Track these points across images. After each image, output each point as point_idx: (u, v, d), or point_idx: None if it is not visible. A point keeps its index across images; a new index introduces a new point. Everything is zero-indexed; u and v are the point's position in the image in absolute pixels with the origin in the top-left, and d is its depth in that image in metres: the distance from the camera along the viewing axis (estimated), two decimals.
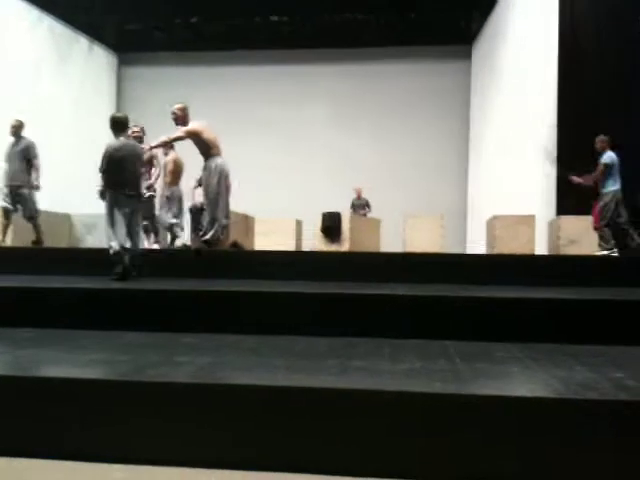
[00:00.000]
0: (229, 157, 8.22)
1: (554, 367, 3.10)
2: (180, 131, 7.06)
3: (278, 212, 10.22)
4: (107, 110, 14.85)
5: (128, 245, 5.84)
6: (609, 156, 7.88)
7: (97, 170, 5.96)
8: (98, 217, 8.72)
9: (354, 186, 12.49)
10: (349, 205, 12.43)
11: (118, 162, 5.83)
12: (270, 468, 2.45)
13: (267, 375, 2.89)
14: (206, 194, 7.16)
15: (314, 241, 9.22)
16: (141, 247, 6.31)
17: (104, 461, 2.52)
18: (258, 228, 9.46)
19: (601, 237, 7.85)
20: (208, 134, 7.10)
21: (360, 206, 12.41)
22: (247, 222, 9.58)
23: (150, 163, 8.23)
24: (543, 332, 4.00)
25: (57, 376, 2.86)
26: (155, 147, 7.49)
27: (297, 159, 14.76)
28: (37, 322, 4.33)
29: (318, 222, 9.20)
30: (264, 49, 15.13)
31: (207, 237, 7.10)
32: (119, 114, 6.21)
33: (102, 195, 6.02)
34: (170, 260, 7.12)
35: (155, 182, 8.28)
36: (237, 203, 8.60)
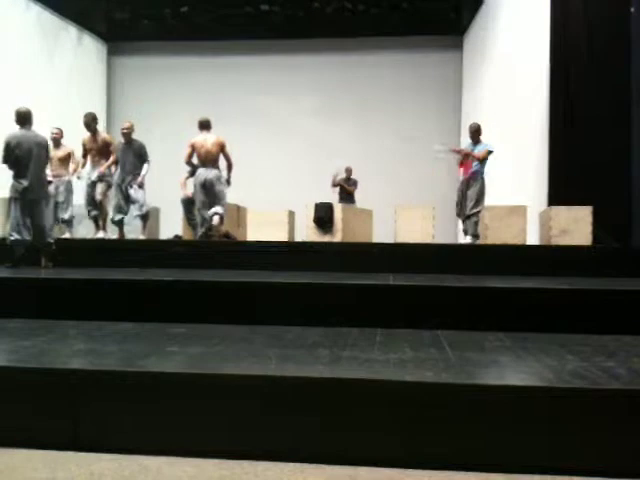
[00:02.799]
0: None
1: (545, 356, 3.11)
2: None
3: (268, 203, 10.18)
4: (97, 100, 14.75)
5: (15, 237, 6.06)
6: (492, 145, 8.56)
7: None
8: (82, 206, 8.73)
9: (345, 166, 11.83)
10: (335, 186, 11.61)
11: (17, 152, 6.04)
12: (261, 457, 2.44)
13: (258, 365, 2.87)
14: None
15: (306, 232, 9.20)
16: (50, 237, 6.42)
17: (93, 450, 2.51)
18: (251, 219, 9.42)
19: (476, 223, 8.45)
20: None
21: (351, 184, 11.77)
22: (239, 213, 9.54)
23: (105, 152, 8.30)
24: (534, 322, 4.02)
25: (43, 367, 2.83)
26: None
27: (287, 149, 14.70)
28: (28, 313, 4.30)
29: (309, 213, 9.17)
30: (254, 39, 15.02)
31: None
32: (21, 108, 6.31)
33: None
34: (160, 251, 7.10)
35: (106, 170, 8.24)
36: (228, 194, 8.57)
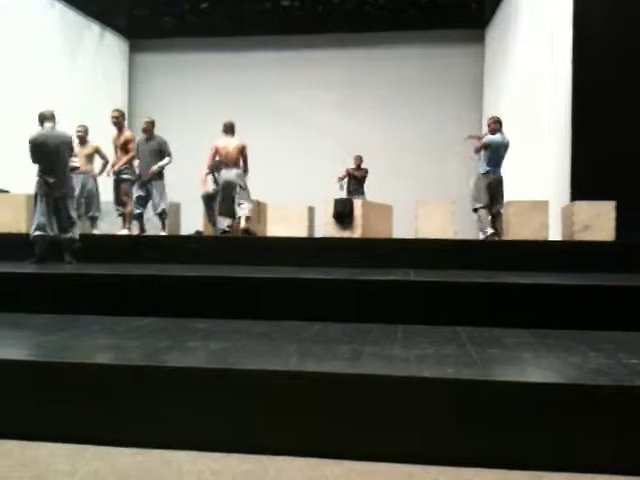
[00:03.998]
0: None
1: (567, 353, 3.08)
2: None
3: (288, 198, 10.21)
4: (119, 97, 14.89)
5: (39, 233, 6.15)
6: (492, 138, 8.07)
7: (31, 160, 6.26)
8: (107, 203, 8.84)
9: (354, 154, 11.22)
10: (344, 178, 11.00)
11: (44, 151, 6.13)
12: (282, 453, 2.45)
13: (279, 360, 2.89)
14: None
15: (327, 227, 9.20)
16: (74, 234, 6.50)
17: (114, 445, 2.54)
18: (271, 215, 9.46)
19: (478, 218, 8.13)
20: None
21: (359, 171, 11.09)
22: (259, 209, 9.58)
23: (125, 149, 8.36)
24: (556, 318, 3.98)
25: (66, 361, 2.88)
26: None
27: (307, 145, 14.71)
28: (51, 308, 4.36)
29: (328, 208, 9.18)
30: (275, 34, 15.05)
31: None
32: (47, 111, 6.39)
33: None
34: (181, 246, 7.17)
35: (123, 167, 8.34)
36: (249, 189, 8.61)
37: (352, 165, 11.14)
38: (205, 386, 2.61)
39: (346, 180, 11.09)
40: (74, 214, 6.53)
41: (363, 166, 11.18)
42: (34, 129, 6.33)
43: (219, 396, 2.59)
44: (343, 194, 10.63)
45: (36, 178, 6.26)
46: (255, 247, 7.24)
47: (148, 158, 8.31)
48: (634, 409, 2.35)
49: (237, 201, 8.15)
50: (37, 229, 6.16)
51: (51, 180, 6.17)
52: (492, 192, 8.03)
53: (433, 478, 2.25)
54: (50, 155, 6.18)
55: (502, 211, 8.21)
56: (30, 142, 6.19)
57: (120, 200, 8.45)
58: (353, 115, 14.85)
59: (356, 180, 10.98)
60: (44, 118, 6.32)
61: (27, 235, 6.38)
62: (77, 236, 6.46)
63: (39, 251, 6.16)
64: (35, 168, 6.27)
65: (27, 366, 2.79)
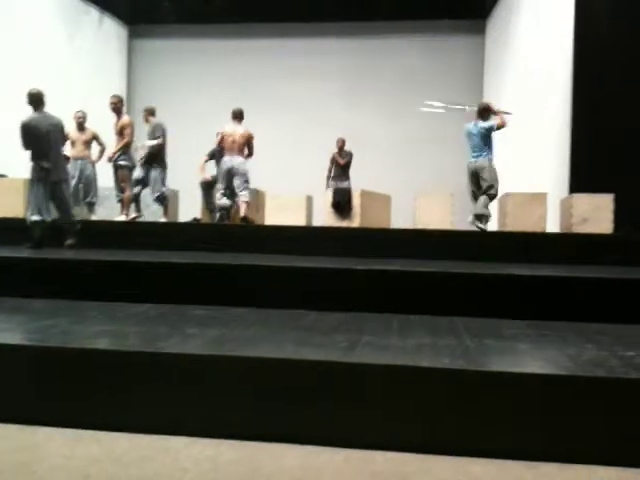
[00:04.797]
0: None
1: (564, 344, 3.10)
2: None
3: (287, 187, 10.18)
4: (117, 83, 14.81)
5: (36, 217, 6.13)
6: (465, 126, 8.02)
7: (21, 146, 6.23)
8: (109, 189, 8.83)
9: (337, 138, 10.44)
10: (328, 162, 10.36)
11: (36, 134, 6.10)
12: (278, 440, 2.46)
13: (275, 348, 2.90)
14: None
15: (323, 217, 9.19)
16: (74, 216, 6.56)
17: (110, 430, 2.55)
18: (269, 204, 9.44)
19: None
20: None
21: (344, 155, 10.33)
22: (258, 197, 9.57)
23: (121, 134, 8.31)
24: (553, 310, 3.99)
25: (65, 346, 2.88)
26: None
27: (306, 134, 14.64)
28: (50, 294, 4.37)
29: (327, 198, 9.17)
30: (277, 22, 14.96)
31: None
32: (33, 90, 6.34)
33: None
34: (179, 233, 7.17)
35: (118, 152, 8.27)
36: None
37: (335, 149, 10.42)
38: (202, 372, 2.61)
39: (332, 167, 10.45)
40: (70, 198, 6.53)
41: (347, 149, 10.44)
42: (28, 113, 6.29)
43: (216, 382, 2.59)
44: (327, 183, 10.26)
45: (30, 164, 6.24)
46: (253, 235, 7.24)
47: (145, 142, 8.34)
48: (629, 401, 2.36)
49: (237, 188, 8.17)
50: (33, 214, 6.15)
51: (46, 165, 6.15)
52: (475, 179, 7.95)
53: (429, 467, 2.27)
54: (42, 140, 6.15)
55: (483, 195, 7.80)
56: (22, 127, 6.16)
57: (119, 186, 8.43)
58: (353, 105, 14.80)
59: (339, 166, 10.36)
60: (34, 101, 6.26)
61: (24, 220, 6.37)
62: (77, 218, 6.48)
63: (36, 236, 6.15)
64: (28, 153, 6.25)
65: (25, 351, 2.79)
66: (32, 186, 6.22)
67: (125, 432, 2.53)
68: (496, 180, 7.82)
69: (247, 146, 8.31)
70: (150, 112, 8.48)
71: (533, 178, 10.09)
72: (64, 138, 6.63)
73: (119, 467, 2.22)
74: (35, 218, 6.14)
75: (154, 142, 8.22)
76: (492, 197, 7.87)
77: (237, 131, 8.25)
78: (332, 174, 10.40)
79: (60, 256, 5.42)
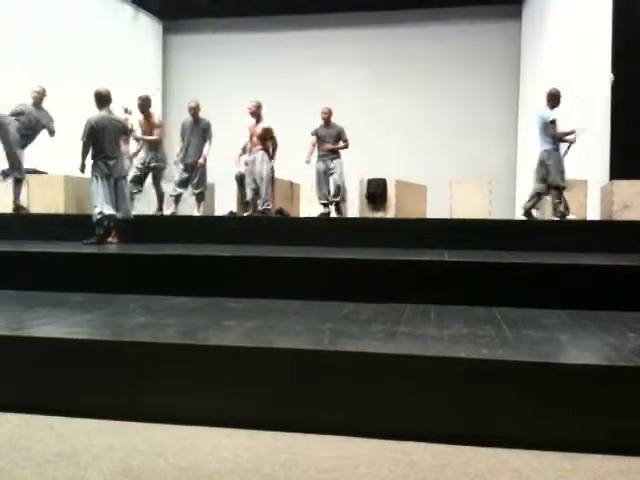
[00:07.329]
0: (274, 123, 8.25)
1: (605, 334, 3.03)
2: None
3: None
4: (153, 79, 14.97)
5: (110, 212, 6.34)
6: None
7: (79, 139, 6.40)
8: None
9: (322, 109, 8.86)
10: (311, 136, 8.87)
11: (103, 132, 6.33)
12: (313, 431, 2.47)
13: (313, 339, 2.90)
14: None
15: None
16: (130, 214, 6.69)
17: (150, 421, 2.59)
18: (303, 195, 9.45)
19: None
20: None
21: (329, 136, 8.79)
22: (292, 189, 9.59)
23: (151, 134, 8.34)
24: (593, 299, 3.91)
25: (105, 339, 2.94)
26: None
27: (340, 123, 14.61)
28: (86, 287, 4.45)
29: (362, 188, 9.13)
30: (306, 13, 14.92)
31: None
32: (102, 89, 6.53)
33: (82, 169, 6.50)
34: (216, 226, 7.23)
35: (150, 155, 8.29)
36: (282, 170, 8.60)
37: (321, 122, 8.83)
38: (240, 364, 2.64)
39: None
40: (129, 194, 6.79)
41: (334, 121, 8.87)
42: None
43: (253, 374, 2.61)
44: (312, 163, 8.97)
45: (90, 161, 6.41)
46: (288, 227, 7.26)
47: (194, 141, 8.36)
48: None
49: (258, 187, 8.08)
50: (102, 211, 6.30)
51: (111, 162, 6.38)
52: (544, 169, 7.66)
53: (468, 458, 2.25)
54: (106, 138, 6.37)
55: (552, 189, 7.56)
56: (90, 124, 6.33)
57: (138, 180, 8.39)
58: (386, 93, 14.68)
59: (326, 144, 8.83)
60: (102, 100, 6.46)
61: (66, 215, 6.50)
62: (132, 216, 6.65)
63: (103, 232, 6.34)
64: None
65: (68, 344, 2.85)
66: (97, 183, 6.39)
67: (164, 423, 2.57)
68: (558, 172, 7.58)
69: (270, 140, 8.15)
70: (199, 108, 8.51)
71: (573, 165, 9.88)
72: (128, 137, 6.77)
73: (160, 457, 2.25)
74: (107, 212, 6.32)
75: (207, 147, 8.36)
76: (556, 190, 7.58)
77: (257, 127, 8.13)
78: (319, 153, 8.90)
79: (99, 251, 5.51)
